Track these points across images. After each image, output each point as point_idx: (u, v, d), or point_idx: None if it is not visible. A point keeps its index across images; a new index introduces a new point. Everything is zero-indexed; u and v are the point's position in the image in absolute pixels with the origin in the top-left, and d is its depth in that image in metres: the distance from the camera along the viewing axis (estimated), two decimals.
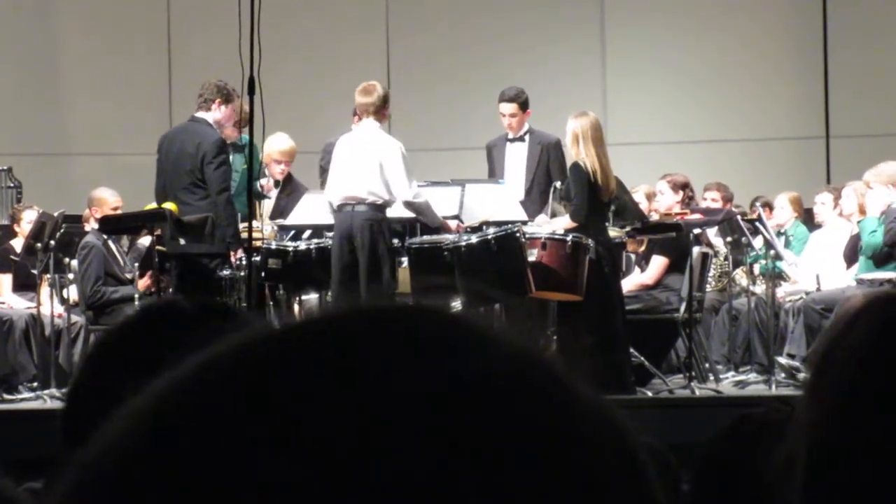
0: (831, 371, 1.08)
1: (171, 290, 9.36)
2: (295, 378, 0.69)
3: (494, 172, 10.26)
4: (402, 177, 9.22)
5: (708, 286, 10.53)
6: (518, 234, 8.98)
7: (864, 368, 1.06)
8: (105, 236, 10.23)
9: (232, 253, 9.33)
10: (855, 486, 1.03)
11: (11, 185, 13.37)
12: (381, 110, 9.47)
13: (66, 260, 10.20)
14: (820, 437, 1.05)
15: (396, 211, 9.48)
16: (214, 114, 9.50)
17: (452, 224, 9.43)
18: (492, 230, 9.14)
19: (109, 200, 10.49)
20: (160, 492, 0.67)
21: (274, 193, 10.63)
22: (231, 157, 9.93)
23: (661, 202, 10.83)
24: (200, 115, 9.52)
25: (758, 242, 10.16)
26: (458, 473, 0.67)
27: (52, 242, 9.85)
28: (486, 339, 0.72)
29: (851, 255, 10.63)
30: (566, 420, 0.71)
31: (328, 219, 9.55)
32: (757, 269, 10.68)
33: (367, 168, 9.26)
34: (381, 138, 9.39)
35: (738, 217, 10.36)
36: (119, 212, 10.41)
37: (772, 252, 10.10)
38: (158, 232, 9.31)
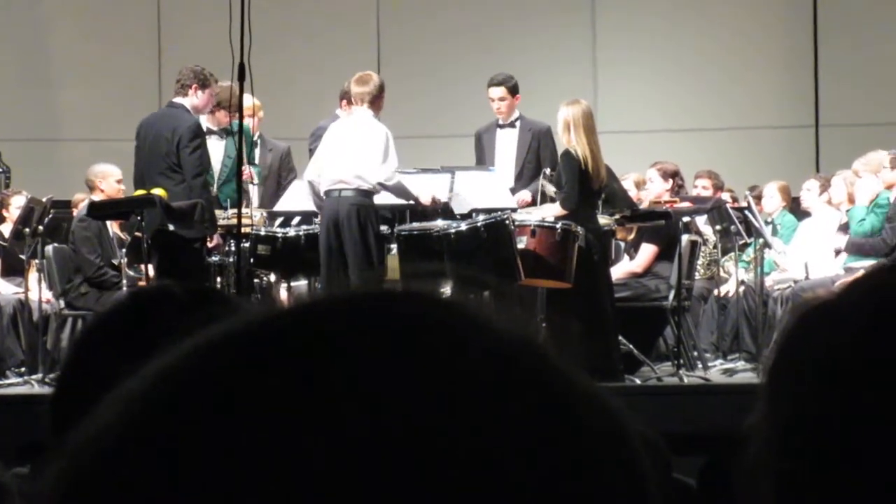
0: (789, 378, 1.07)
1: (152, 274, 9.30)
2: (290, 364, 0.69)
3: (482, 160, 10.25)
4: (378, 159, 9.22)
5: (696, 274, 10.54)
6: (507, 222, 8.98)
7: (826, 376, 1.04)
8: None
9: (209, 238, 9.28)
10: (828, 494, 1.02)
11: (0, 170, 13.34)
12: (376, 100, 9.45)
13: (55, 245, 10.17)
14: (781, 446, 1.04)
15: (386, 198, 9.47)
16: (192, 99, 9.50)
17: (427, 200, 9.43)
18: (481, 217, 9.14)
19: (113, 172, 10.41)
20: (151, 477, 0.67)
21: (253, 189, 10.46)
22: (223, 143, 9.95)
23: (650, 190, 10.84)
24: (178, 100, 9.53)
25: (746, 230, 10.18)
26: (455, 459, 0.67)
27: (41, 228, 9.83)
28: (482, 325, 0.72)
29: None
30: (563, 406, 0.71)
31: (314, 204, 9.55)
32: (745, 257, 10.70)
33: (355, 154, 9.26)
34: (371, 124, 9.38)
35: (727, 205, 10.37)
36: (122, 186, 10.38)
37: (760, 240, 10.11)
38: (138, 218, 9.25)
